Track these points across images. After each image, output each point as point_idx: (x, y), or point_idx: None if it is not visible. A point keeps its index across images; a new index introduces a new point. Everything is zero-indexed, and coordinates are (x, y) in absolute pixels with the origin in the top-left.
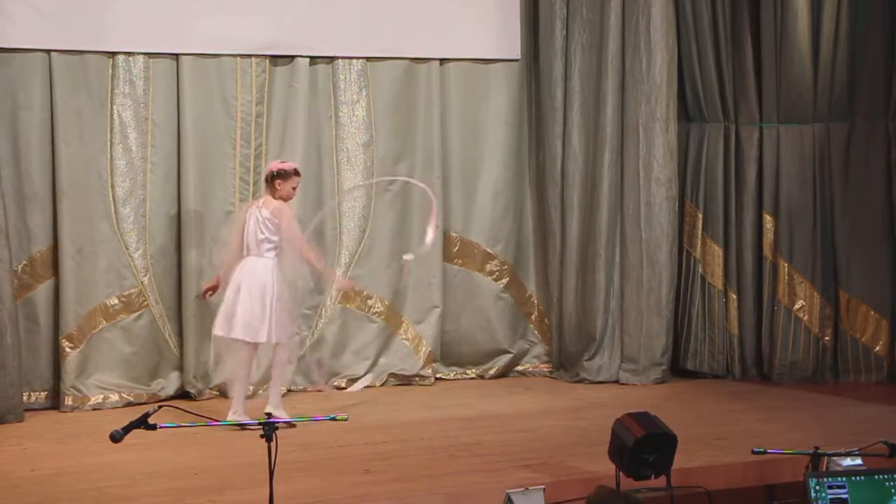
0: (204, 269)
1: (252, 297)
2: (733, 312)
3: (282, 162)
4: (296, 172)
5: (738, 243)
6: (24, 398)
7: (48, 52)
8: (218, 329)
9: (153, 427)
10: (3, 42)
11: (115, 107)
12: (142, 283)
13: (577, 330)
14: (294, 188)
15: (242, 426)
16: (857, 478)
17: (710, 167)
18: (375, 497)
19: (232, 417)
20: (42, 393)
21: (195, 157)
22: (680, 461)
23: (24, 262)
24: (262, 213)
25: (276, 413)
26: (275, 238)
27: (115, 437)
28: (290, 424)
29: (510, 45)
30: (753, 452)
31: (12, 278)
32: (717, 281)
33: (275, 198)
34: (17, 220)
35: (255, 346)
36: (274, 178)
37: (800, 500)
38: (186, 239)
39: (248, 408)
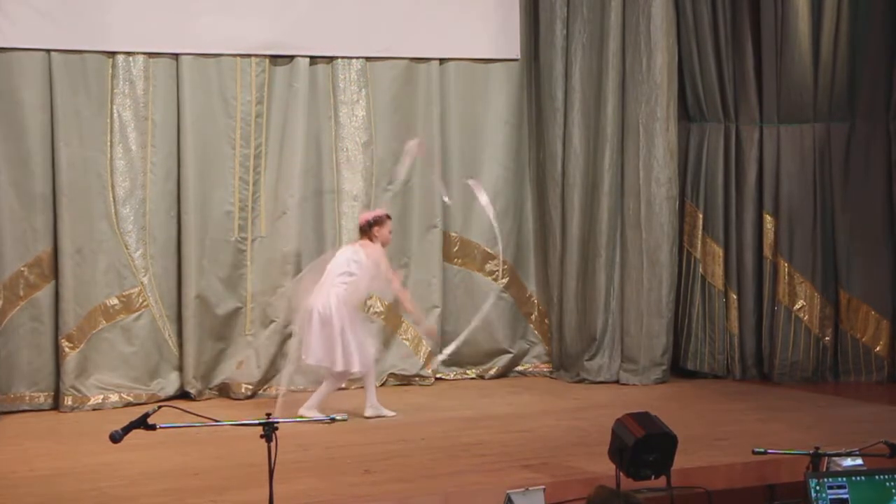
0: (204, 269)
1: (326, 327)
2: (733, 312)
3: (372, 211)
4: (388, 217)
5: (739, 243)
6: (28, 398)
7: (48, 51)
8: (311, 358)
9: (153, 427)
10: (3, 42)
11: (115, 107)
12: (142, 283)
13: (577, 330)
14: (390, 232)
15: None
16: (858, 478)
17: (711, 167)
18: (375, 497)
19: (304, 412)
20: (49, 393)
21: (195, 156)
22: (680, 461)
23: (30, 261)
24: (358, 252)
25: (308, 413)
26: (356, 273)
27: (115, 438)
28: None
29: (510, 44)
30: (754, 452)
31: None
32: (718, 281)
33: (373, 242)
34: (22, 221)
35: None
36: (371, 226)
37: (800, 500)
38: (186, 239)
39: (250, 406)
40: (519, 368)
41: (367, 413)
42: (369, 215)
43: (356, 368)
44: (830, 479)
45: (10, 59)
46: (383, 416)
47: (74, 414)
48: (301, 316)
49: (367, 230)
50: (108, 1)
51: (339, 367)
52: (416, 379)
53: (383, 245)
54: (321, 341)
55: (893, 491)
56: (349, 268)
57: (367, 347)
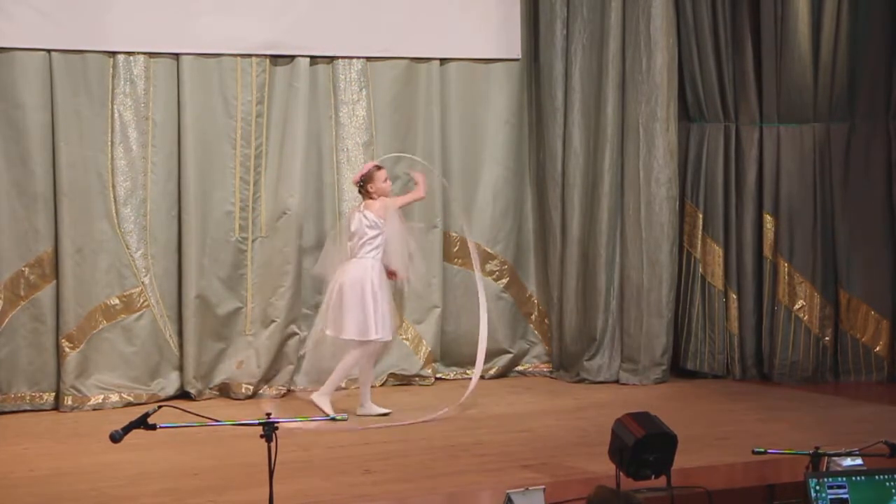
0: (205, 268)
1: (356, 298)
2: (733, 312)
3: (360, 170)
4: (376, 167)
5: (739, 243)
6: (28, 398)
7: (48, 51)
8: (330, 329)
9: (153, 427)
10: (3, 42)
11: (115, 106)
12: (142, 282)
13: (577, 330)
14: (385, 180)
15: (329, 416)
16: (858, 478)
17: (711, 167)
18: (375, 497)
19: (315, 398)
20: (49, 393)
21: (195, 156)
22: (680, 461)
23: (31, 261)
24: (366, 215)
25: (319, 400)
26: (379, 239)
27: (115, 438)
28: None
29: (510, 44)
30: (754, 452)
31: None
32: (718, 281)
33: (373, 199)
34: (22, 221)
35: (369, 343)
36: (364, 185)
37: (800, 500)
38: (187, 239)
39: (250, 406)
40: (519, 368)
41: (359, 412)
42: (358, 175)
43: (389, 336)
44: (830, 479)
45: (10, 59)
46: (379, 415)
47: (74, 414)
48: (328, 292)
49: (362, 190)
50: (108, 1)
51: (373, 335)
52: (416, 379)
53: (383, 195)
54: (352, 314)
55: (893, 491)
56: (368, 234)
57: (393, 317)
